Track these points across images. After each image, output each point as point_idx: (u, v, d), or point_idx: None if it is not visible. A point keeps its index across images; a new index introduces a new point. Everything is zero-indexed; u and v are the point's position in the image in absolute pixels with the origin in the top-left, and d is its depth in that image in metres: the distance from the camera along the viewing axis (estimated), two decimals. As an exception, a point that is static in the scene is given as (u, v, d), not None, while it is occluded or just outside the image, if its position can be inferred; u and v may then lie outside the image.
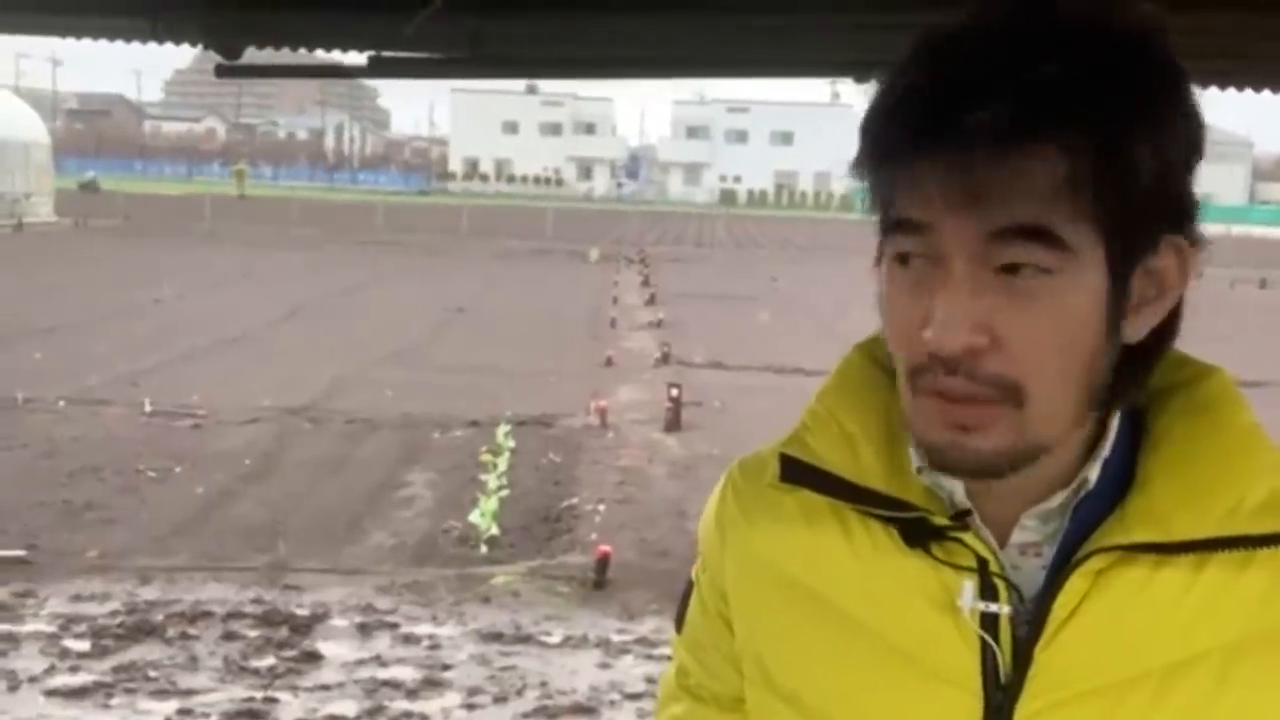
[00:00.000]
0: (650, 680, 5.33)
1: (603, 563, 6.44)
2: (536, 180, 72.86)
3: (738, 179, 73.20)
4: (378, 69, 3.62)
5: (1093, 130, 0.65)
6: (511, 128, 75.79)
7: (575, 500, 8.04)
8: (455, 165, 74.91)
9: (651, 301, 19.78)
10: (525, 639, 5.73)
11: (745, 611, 0.87)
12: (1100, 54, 0.66)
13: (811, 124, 71.89)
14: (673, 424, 10.30)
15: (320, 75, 10.80)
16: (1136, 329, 0.71)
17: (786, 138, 74.54)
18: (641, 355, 14.37)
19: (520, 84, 71.98)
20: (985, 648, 0.75)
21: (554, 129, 77.09)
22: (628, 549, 6.95)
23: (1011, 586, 0.75)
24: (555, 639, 5.78)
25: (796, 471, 0.82)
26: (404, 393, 11.04)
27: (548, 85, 70.69)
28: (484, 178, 72.18)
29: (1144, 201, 0.68)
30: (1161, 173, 0.68)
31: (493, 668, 5.33)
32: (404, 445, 9.31)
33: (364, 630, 5.61)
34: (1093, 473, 0.74)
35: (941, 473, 0.75)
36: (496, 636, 5.72)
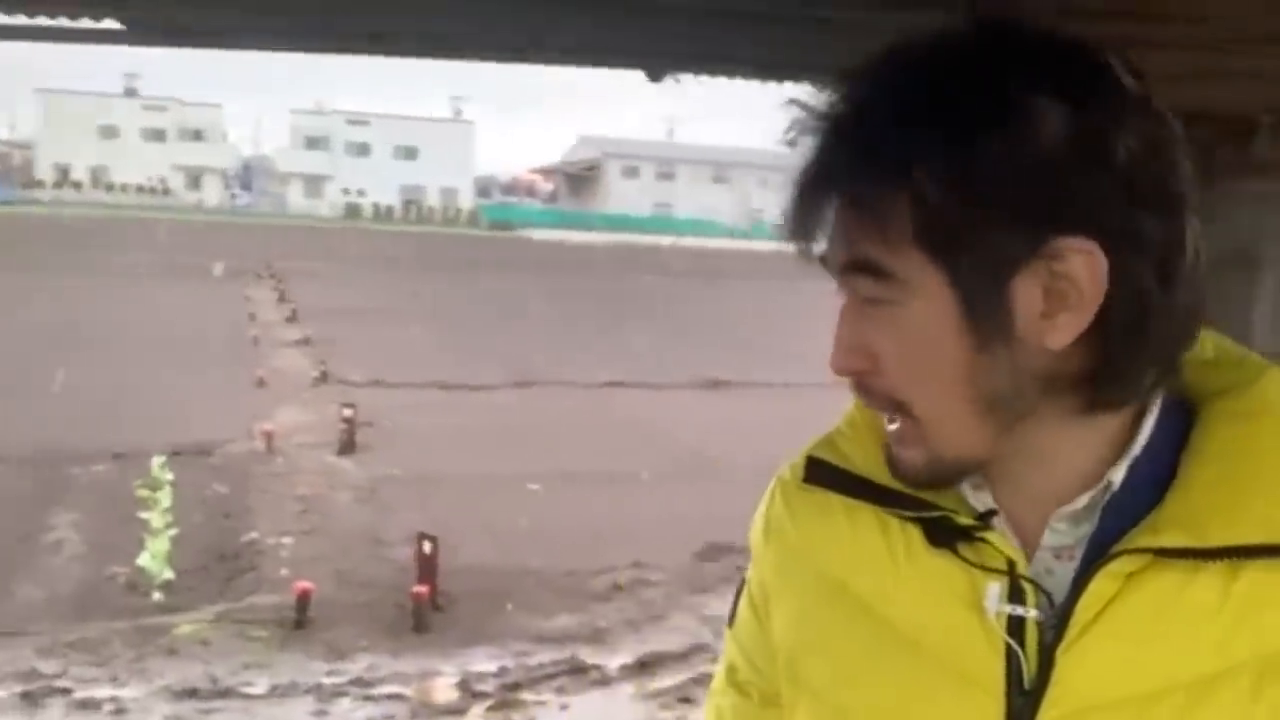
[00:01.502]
0: None
1: (303, 601, 5.92)
2: (140, 189, 67.11)
3: (361, 192, 71.43)
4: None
5: (891, 172, 0.68)
6: (109, 132, 69.31)
7: (255, 534, 7.44)
8: (43, 173, 67.43)
9: (293, 318, 18.78)
10: (224, 692, 5.13)
11: (783, 608, 0.88)
12: (879, 99, 0.70)
13: (435, 139, 71.62)
14: (347, 446, 9.86)
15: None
16: (1056, 338, 0.70)
17: (410, 152, 73.63)
18: (295, 374, 13.58)
19: (118, 85, 65.95)
20: (1011, 651, 0.74)
21: (157, 135, 71.33)
22: (325, 583, 6.46)
23: (1040, 590, 0.74)
24: (259, 689, 5.23)
25: (821, 473, 0.83)
26: (26, 424, 9.70)
27: (151, 87, 65.29)
28: (77, 185, 65.45)
29: (970, 222, 0.68)
30: (993, 188, 0.67)
31: (191, 730, 4.71)
32: (39, 482, 8.20)
33: (30, 700, 4.78)
34: (1117, 475, 0.74)
35: (908, 485, 0.77)
36: (191, 693, 5.08)
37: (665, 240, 46.25)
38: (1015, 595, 0.74)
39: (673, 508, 8.53)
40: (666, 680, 5.50)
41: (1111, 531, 0.73)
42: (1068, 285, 0.68)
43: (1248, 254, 2.43)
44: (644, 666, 5.67)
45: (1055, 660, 0.72)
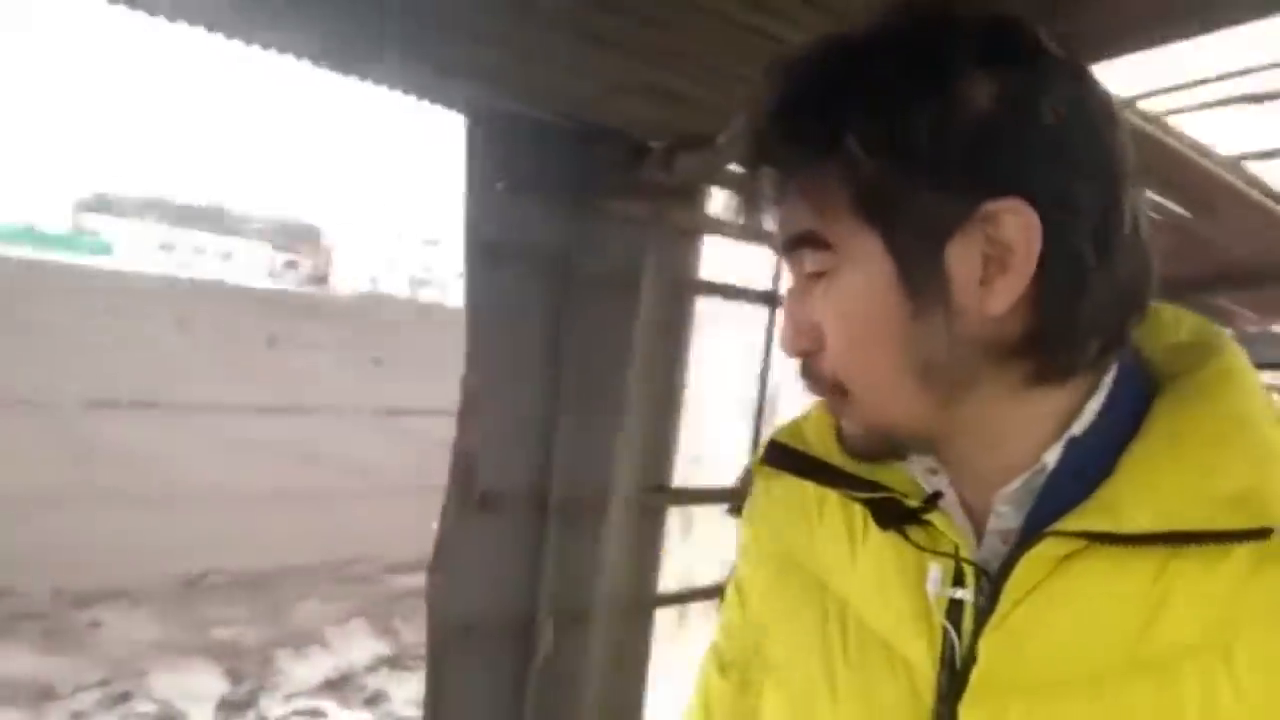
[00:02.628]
0: None
1: None
2: None
3: None
4: None
5: (819, 142, 0.68)
6: None
7: None
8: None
9: None
10: None
11: (756, 587, 0.90)
12: (808, 78, 0.70)
13: None
14: None
15: None
16: (994, 303, 0.68)
17: None
18: None
19: None
20: (947, 632, 0.74)
21: None
22: None
23: (982, 573, 0.73)
24: None
25: (780, 456, 0.84)
26: None
27: None
28: None
29: (903, 187, 0.67)
30: (924, 151, 0.66)
31: None
32: None
33: None
34: (1052, 456, 0.71)
35: (857, 459, 0.77)
36: None
37: None
38: (959, 578, 0.74)
39: None
40: None
41: (1047, 515, 0.70)
42: (1003, 249, 0.68)
43: (626, 275, 2.57)
44: None
45: (978, 644, 0.71)
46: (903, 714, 0.75)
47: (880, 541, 0.79)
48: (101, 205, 68.13)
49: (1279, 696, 0.64)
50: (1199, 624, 0.66)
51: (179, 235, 63.66)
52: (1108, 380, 0.72)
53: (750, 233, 0.77)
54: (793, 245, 0.72)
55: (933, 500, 0.75)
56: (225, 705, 4.98)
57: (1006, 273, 0.67)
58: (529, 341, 2.72)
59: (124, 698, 4.91)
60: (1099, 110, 0.69)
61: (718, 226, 2.71)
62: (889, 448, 0.74)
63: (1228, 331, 0.76)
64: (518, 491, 2.86)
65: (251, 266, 64.45)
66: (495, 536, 2.86)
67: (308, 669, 5.52)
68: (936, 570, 0.75)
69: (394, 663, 5.75)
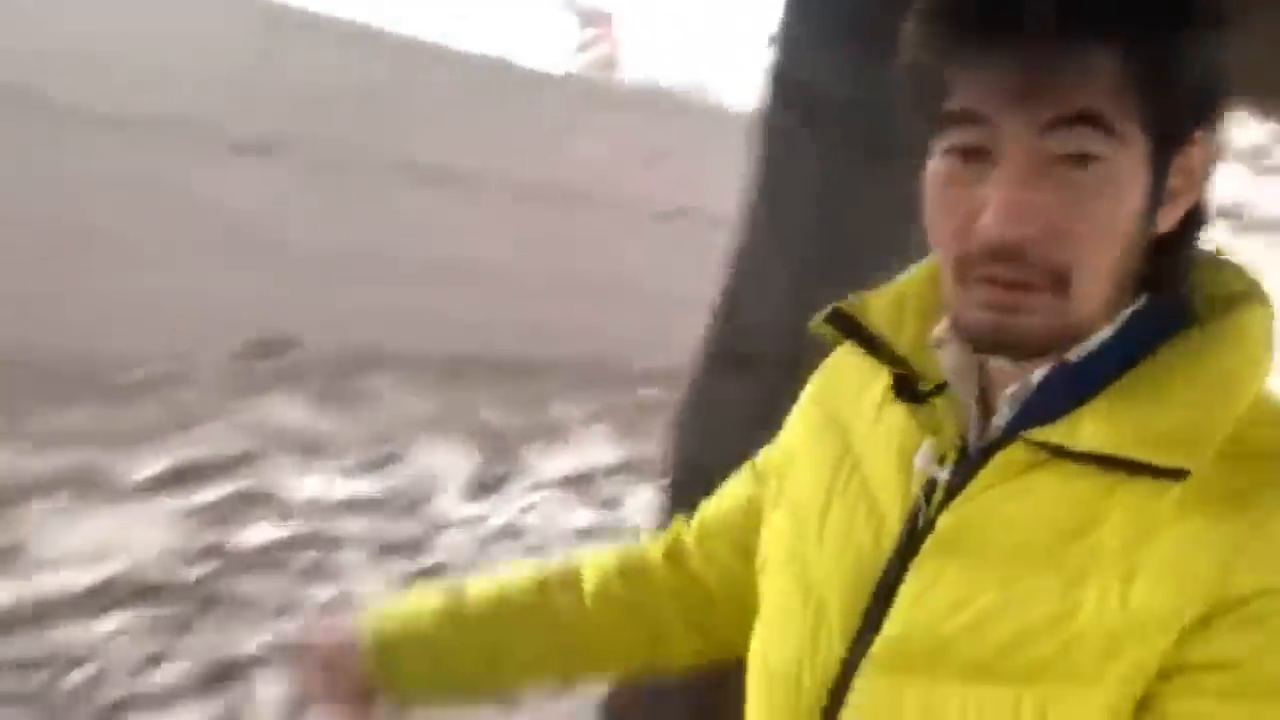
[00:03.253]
0: None
1: None
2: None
3: None
4: None
5: (1149, 27, 0.69)
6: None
7: None
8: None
9: None
10: None
11: (800, 425, 0.99)
12: None
13: None
14: None
15: None
16: (1167, 219, 0.74)
17: None
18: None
19: None
20: (919, 501, 0.82)
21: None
22: None
23: (963, 459, 0.80)
24: None
25: (836, 316, 0.89)
26: None
27: None
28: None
29: (1185, 98, 0.72)
30: (1205, 70, 0.72)
31: None
32: None
33: None
34: (1037, 375, 0.77)
35: (990, 354, 0.79)
36: None
37: None
38: (944, 460, 0.81)
39: (219, 286, 6.72)
40: (203, 496, 4.69)
41: (1031, 423, 0.76)
42: (1187, 174, 0.74)
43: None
44: (178, 478, 4.81)
45: (934, 519, 0.79)
46: (866, 557, 0.83)
47: (898, 414, 0.86)
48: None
49: (1156, 623, 0.69)
50: (1118, 544, 0.71)
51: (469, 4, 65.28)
52: (1125, 313, 0.77)
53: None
54: (1070, 121, 0.71)
55: (939, 389, 0.84)
56: (474, 485, 5.26)
57: (1183, 196, 0.74)
58: (808, 199, 2.50)
59: (385, 461, 5.26)
60: None
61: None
62: (1052, 348, 0.76)
63: None
64: (774, 352, 2.72)
65: (544, 46, 65.49)
66: (745, 396, 2.74)
67: (552, 463, 5.73)
68: (927, 448, 0.83)
69: (631, 469, 5.89)
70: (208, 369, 5.79)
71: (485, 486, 5.28)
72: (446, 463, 5.40)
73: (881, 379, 0.89)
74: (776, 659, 0.87)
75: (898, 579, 0.80)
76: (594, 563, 1.13)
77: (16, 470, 4.45)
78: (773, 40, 2.26)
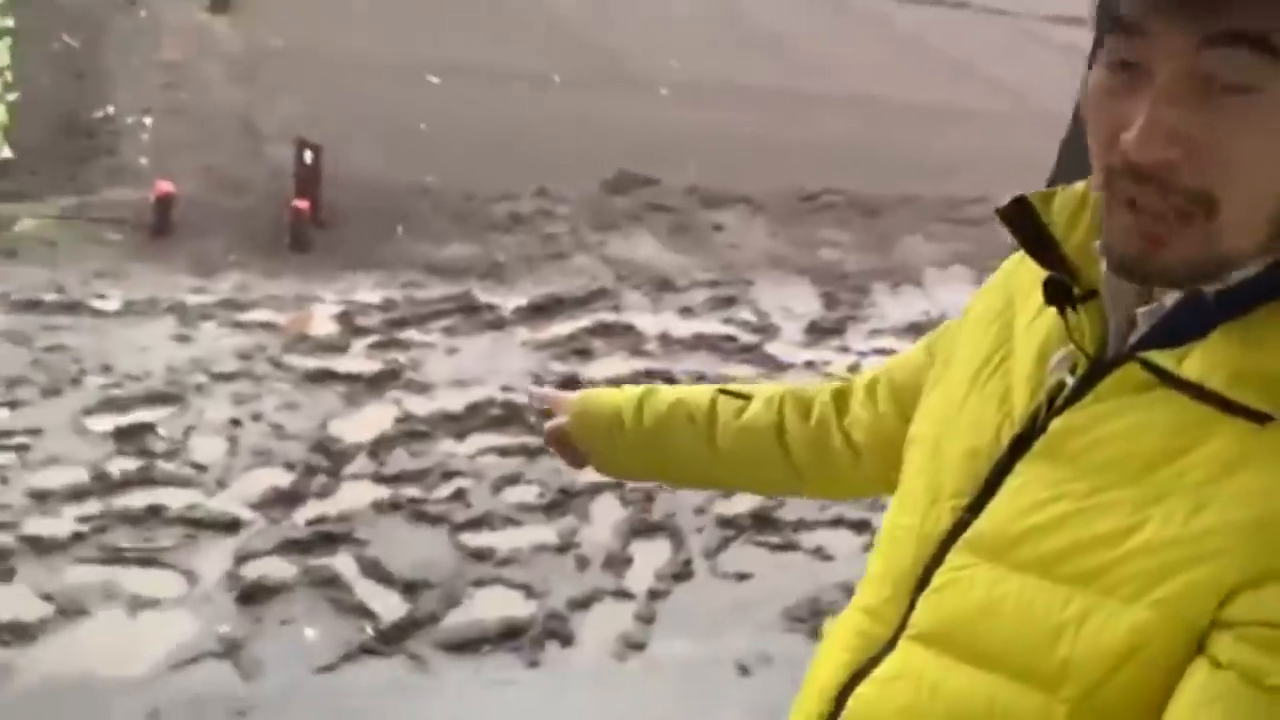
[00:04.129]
0: (244, 356, 4.34)
1: (164, 203, 5.10)
2: None
3: None
4: None
5: None
6: None
7: (111, 109, 6.16)
8: None
9: None
10: (73, 306, 4.48)
11: (967, 317, 1.02)
12: None
13: None
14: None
15: None
16: None
17: None
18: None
19: None
20: (1041, 404, 0.84)
21: None
22: (190, 180, 5.48)
23: (1095, 364, 0.82)
24: (114, 304, 4.55)
25: (1013, 210, 0.88)
26: None
27: None
28: None
29: None
30: None
31: (35, 348, 4.13)
32: None
33: None
34: (1170, 298, 0.78)
35: (1128, 279, 0.79)
36: (34, 305, 4.43)
37: None
38: (1076, 368, 0.83)
39: (584, 123, 6.99)
40: (562, 328, 4.94)
41: (1157, 344, 0.78)
42: None
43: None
44: (540, 310, 5.07)
45: (1048, 422, 0.83)
46: (985, 448, 0.88)
47: (1050, 314, 0.87)
48: None
49: (1206, 556, 0.71)
50: (1200, 477, 0.73)
51: None
52: (1273, 257, 0.75)
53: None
54: (1229, 40, 0.68)
55: (1088, 296, 0.83)
56: (815, 328, 5.29)
57: None
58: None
59: (729, 302, 5.40)
60: None
61: None
62: (1197, 279, 0.76)
63: None
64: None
65: None
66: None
67: (899, 307, 5.63)
68: (1062, 353, 0.85)
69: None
70: (573, 204, 6.11)
71: (826, 331, 5.30)
72: (787, 304, 5.46)
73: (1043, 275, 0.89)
74: (896, 526, 0.95)
75: (1006, 472, 0.85)
76: (770, 390, 1.27)
77: (405, 299, 5.02)
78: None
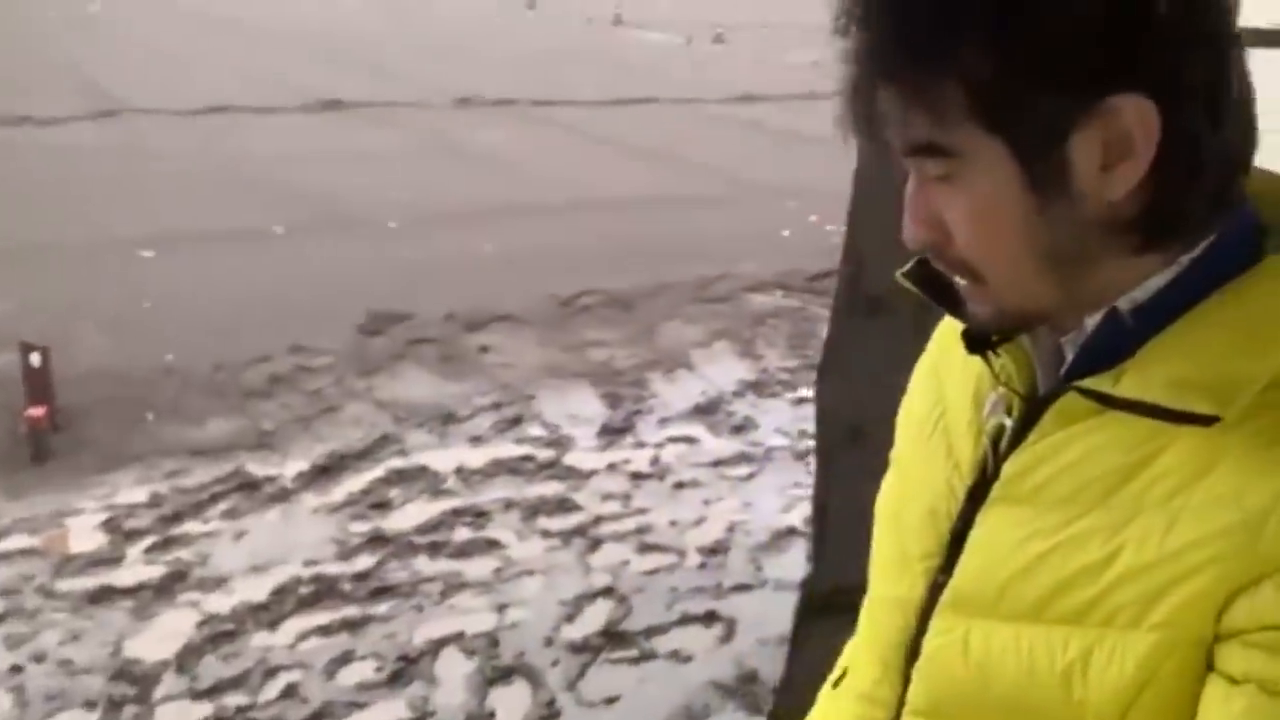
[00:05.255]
0: (8, 591, 3.95)
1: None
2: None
3: None
4: None
5: (937, 57, 0.71)
6: None
7: None
8: None
9: None
10: None
11: (910, 388, 1.04)
12: None
13: None
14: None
15: None
16: (1115, 188, 0.73)
17: None
18: None
19: None
20: (987, 450, 0.86)
21: None
22: None
23: (1029, 406, 0.83)
24: None
25: (916, 270, 0.88)
26: None
27: None
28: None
29: (1024, 90, 0.71)
30: (1044, 54, 0.70)
31: None
32: None
33: None
34: (1091, 322, 0.78)
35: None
36: None
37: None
38: (1011, 409, 0.85)
39: (320, 269, 6.97)
40: (352, 485, 4.72)
41: (1086, 370, 0.78)
42: (1123, 138, 0.71)
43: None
44: (324, 472, 4.81)
45: (998, 468, 0.83)
46: (942, 505, 0.88)
47: (976, 362, 0.88)
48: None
49: (1192, 570, 0.71)
50: (1164, 491, 0.73)
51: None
52: (1185, 259, 0.77)
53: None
54: (913, 153, 0.76)
55: (1004, 339, 0.85)
56: (606, 430, 5.27)
57: (1127, 160, 0.72)
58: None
59: (515, 421, 5.30)
60: None
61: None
62: (1016, 328, 0.83)
63: None
64: (910, 297, 2.64)
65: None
66: (885, 342, 2.68)
67: (677, 393, 5.71)
68: (995, 396, 0.87)
69: (759, 388, 5.83)
70: (331, 354, 5.87)
71: (617, 430, 5.29)
72: (573, 412, 5.42)
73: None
74: (873, 601, 0.97)
75: (968, 525, 0.85)
76: None
77: (172, 490, 4.61)
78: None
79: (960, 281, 0.81)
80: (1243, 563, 0.69)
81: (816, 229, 8.28)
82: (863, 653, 0.98)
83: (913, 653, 0.88)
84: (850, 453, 2.76)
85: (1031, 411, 0.82)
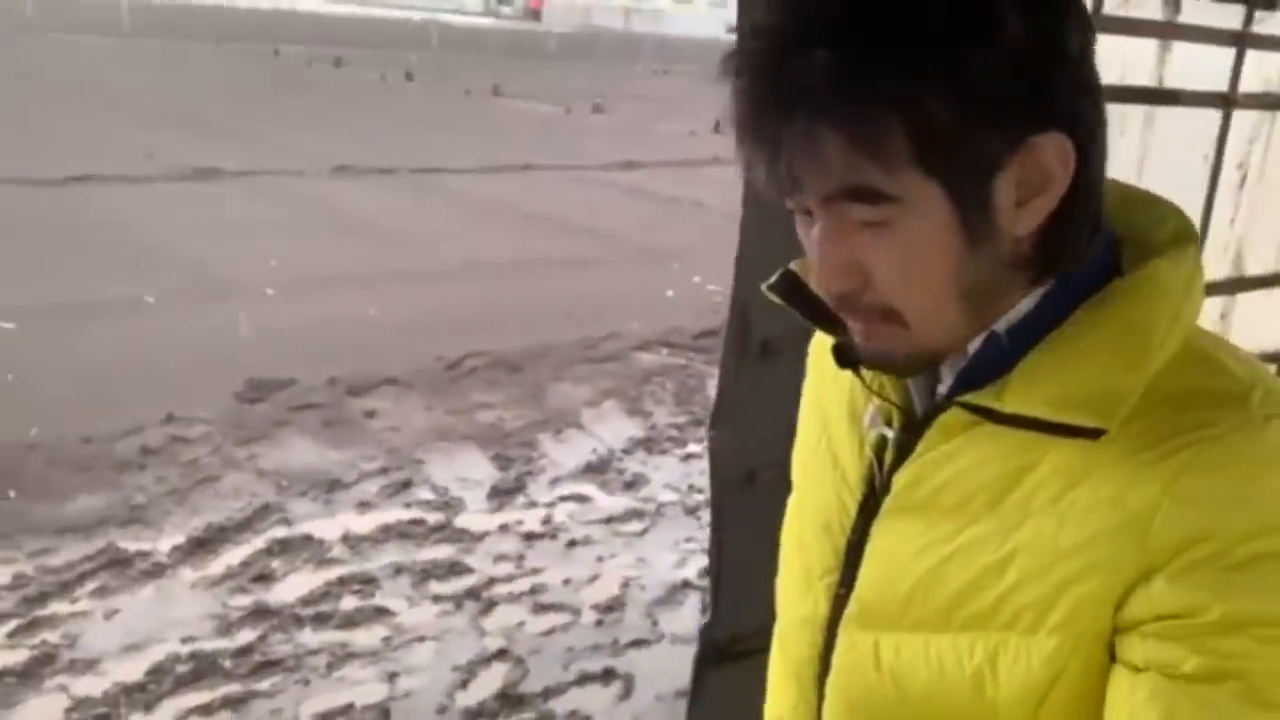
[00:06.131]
0: None
1: None
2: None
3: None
4: None
5: (884, 99, 0.70)
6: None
7: None
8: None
9: None
10: None
11: (804, 403, 1.06)
12: (869, 22, 0.70)
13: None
14: None
15: None
16: (1026, 223, 0.76)
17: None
18: None
19: None
20: (872, 462, 0.89)
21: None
22: None
23: (908, 420, 0.86)
24: None
25: (783, 283, 0.90)
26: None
27: None
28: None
29: (963, 131, 0.71)
30: (982, 96, 0.71)
31: None
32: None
33: None
34: (974, 346, 0.80)
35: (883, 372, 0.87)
36: None
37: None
38: (891, 421, 0.88)
39: (193, 339, 6.76)
40: (232, 557, 4.56)
41: (967, 388, 0.80)
42: (1040, 174, 0.74)
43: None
44: (201, 544, 4.65)
45: (892, 478, 0.85)
46: (835, 520, 0.91)
47: (848, 376, 0.91)
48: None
49: (1087, 569, 0.74)
50: (1049, 493, 0.76)
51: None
52: (1049, 280, 0.80)
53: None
54: (843, 197, 0.74)
55: None
56: (497, 492, 5.19)
57: (1040, 195, 0.75)
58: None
59: (404, 486, 5.18)
60: (1091, 35, 0.76)
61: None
62: (925, 365, 0.82)
63: None
64: (798, 337, 2.68)
65: (466, 2, 64.41)
66: (776, 384, 2.71)
67: (567, 453, 5.67)
68: (873, 409, 0.90)
69: (649, 445, 5.84)
70: (209, 424, 5.66)
71: (508, 492, 5.23)
72: (462, 475, 5.34)
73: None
74: (783, 623, 0.98)
75: (863, 538, 0.87)
76: None
77: (37, 570, 4.35)
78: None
79: (855, 325, 0.81)
80: (1131, 560, 0.72)
81: (699, 289, 8.40)
82: (778, 677, 0.99)
83: (824, 668, 0.89)
84: (742, 497, 2.78)
85: (918, 425, 0.85)
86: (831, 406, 0.96)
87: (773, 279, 0.92)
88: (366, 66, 26.53)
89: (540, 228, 10.71)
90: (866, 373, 0.88)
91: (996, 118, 0.72)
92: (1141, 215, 0.83)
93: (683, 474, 5.44)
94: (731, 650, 2.81)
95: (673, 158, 15.07)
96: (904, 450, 0.85)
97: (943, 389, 0.84)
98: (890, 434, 0.87)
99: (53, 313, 7.06)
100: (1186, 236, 0.81)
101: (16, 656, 3.78)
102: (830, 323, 0.87)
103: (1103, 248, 0.81)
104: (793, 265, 0.91)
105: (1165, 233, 0.81)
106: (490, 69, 27.45)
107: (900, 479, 0.84)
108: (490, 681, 3.76)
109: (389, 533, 4.73)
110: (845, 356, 0.88)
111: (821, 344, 1.00)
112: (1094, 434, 0.74)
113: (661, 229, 10.77)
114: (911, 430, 0.85)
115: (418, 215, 11.00)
